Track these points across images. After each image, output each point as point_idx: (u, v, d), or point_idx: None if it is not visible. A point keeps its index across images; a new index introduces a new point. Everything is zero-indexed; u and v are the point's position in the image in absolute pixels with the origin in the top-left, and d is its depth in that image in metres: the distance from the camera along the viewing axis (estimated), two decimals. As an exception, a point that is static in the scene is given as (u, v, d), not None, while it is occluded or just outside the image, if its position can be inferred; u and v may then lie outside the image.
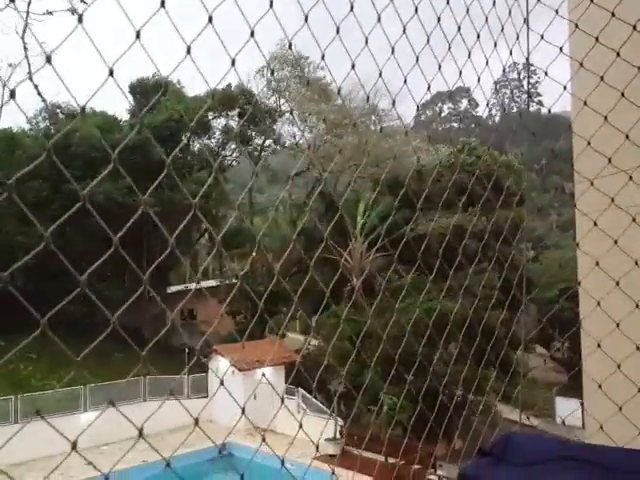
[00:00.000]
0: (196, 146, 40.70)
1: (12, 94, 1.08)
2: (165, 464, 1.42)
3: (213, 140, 41.38)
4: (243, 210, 43.09)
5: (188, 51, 1.27)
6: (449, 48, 2.21)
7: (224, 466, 17.52)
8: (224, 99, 38.16)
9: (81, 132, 29.65)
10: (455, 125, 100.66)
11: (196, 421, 1.59)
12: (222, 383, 1.91)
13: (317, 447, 2.75)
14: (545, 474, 1.79)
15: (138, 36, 1.23)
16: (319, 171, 41.15)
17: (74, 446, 1.19)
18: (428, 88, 2.23)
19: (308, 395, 20.75)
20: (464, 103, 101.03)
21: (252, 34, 1.40)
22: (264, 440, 1.86)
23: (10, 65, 34.09)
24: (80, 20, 1.23)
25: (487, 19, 2.26)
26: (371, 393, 20.41)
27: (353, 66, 1.99)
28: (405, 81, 2.08)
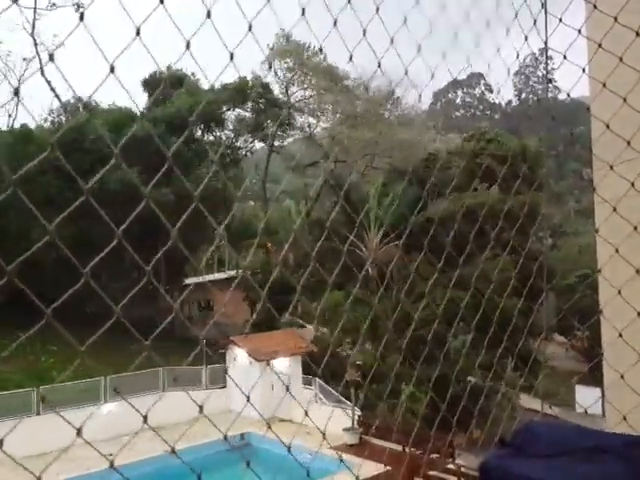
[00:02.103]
0: (211, 137, 40.74)
1: (16, 92, 1.07)
2: (170, 450, 1.42)
3: (227, 132, 41.41)
4: (258, 200, 43.20)
5: (187, 46, 1.25)
6: (476, 40, 2.17)
7: (242, 456, 17.66)
8: (238, 91, 38.12)
9: (94, 127, 29.82)
10: (473, 111, 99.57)
11: (200, 409, 1.58)
12: (226, 372, 1.91)
13: (324, 435, 2.75)
14: (567, 463, 1.77)
15: (138, 33, 1.21)
16: (333, 161, 41.11)
17: (79, 432, 1.19)
18: (432, 77, 2.20)
19: (325, 385, 20.84)
20: (480, 89, 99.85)
21: (250, 28, 1.38)
22: (269, 427, 1.86)
23: (24, 59, 34.40)
24: (82, 18, 1.23)
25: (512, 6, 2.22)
26: (388, 382, 20.43)
27: (379, 64, 1.96)
28: (408, 71, 2.05)
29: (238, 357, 21.79)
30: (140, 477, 15.40)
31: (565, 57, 2.31)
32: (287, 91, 42.08)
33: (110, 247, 1.17)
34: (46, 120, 37.50)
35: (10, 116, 37.24)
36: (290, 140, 45.55)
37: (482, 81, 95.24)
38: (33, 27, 33.51)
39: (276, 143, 43.62)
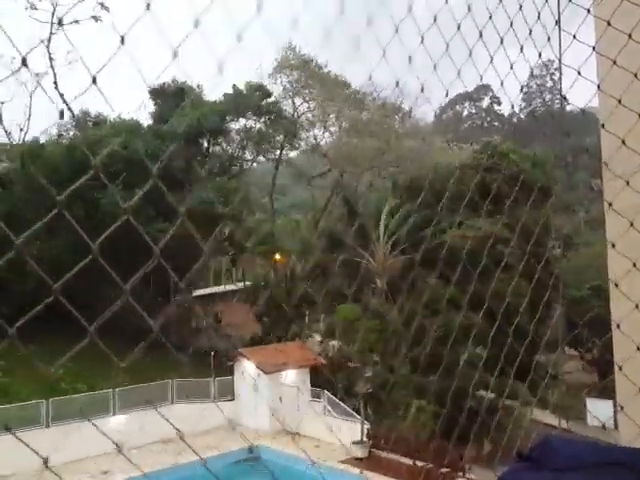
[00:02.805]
0: (218, 149, 40.89)
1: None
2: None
3: (233, 144, 41.55)
4: (265, 213, 43.34)
5: (175, 55, 1.24)
6: (489, 49, 2.20)
7: (249, 469, 17.61)
8: (241, 102, 38.30)
9: (104, 142, 30.31)
10: (481, 122, 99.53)
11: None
12: (226, 372, 1.92)
13: (317, 443, 2.75)
14: (584, 478, 1.76)
15: (123, 41, 1.21)
16: (339, 172, 41.21)
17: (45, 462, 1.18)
18: (446, 95, 2.23)
19: (334, 398, 20.73)
20: (488, 101, 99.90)
21: (239, 39, 1.38)
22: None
23: (37, 75, 34.89)
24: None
25: (525, 19, 2.24)
26: (398, 396, 20.30)
27: (397, 83, 1.98)
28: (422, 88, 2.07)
29: (247, 369, 21.75)
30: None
31: (579, 73, 2.33)
32: (293, 102, 42.35)
33: (84, 263, 1.17)
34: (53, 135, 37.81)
35: (22, 130, 37.67)
36: (296, 152, 45.75)
37: (490, 93, 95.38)
38: (49, 41, 34.04)
39: (285, 154, 43.83)
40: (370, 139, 39.04)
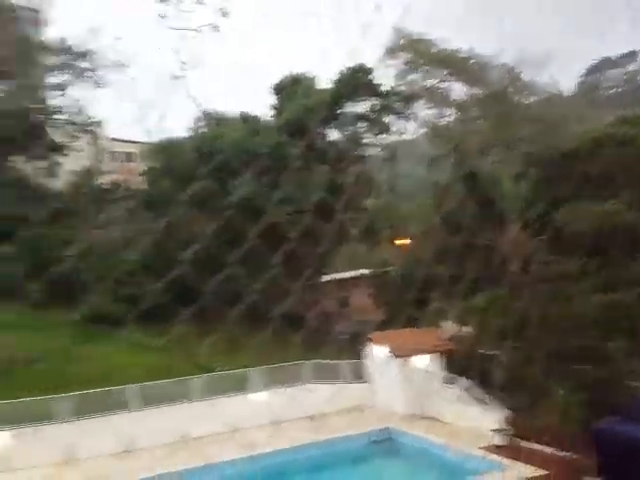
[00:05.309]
0: (333, 136, 41.20)
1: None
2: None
3: (349, 128, 41.54)
4: (387, 196, 43.14)
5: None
6: None
7: (385, 450, 17.83)
8: (354, 85, 38.19)
9: (226, 138, 32.22)
10: (623, 92, 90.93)
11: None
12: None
13: (452, 429, 2.68)
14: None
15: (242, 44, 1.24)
16: (460, 152, 39.75)
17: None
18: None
19: (469, 384, 20.29)
20: (633, 68, 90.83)
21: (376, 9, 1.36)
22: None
23: (172, 78, 37.57)
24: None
25: None
26: (537, 383, 19.37)
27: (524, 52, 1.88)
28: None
29: (378, 353, 21.96)
30: (287, 463, 16.15)
31: None
32: (406, 83, 41.46)
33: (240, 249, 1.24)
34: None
35: (160, 130, 40.80)
36: (414, 133, 44.80)
37: (637, 59, 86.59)
38: (179, 49, 36.52)
39: (402, 137, 43.18)
40: (496, 113, 37.23)
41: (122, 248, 29.84)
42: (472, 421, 17.55)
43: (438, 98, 41.59)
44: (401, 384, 20.53)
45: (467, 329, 25.59)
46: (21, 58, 38.06)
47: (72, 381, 20.16)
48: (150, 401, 19.31)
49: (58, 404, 18.02)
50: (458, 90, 40.53)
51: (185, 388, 20.12)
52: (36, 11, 45.43)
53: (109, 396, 18.82)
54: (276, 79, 41.06)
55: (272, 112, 40.62)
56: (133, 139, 48.30)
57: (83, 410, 18.22)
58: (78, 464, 16.84)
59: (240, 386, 20.82)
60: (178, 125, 40.24)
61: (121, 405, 19.03)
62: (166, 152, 35.45)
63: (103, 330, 25.40)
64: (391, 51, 40.17)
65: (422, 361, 20.84)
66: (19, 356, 21.53)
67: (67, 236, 29.44)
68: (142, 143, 44.85)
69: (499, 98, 38.09)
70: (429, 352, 20.80)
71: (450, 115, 43.05)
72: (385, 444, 18.09)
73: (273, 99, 41.37)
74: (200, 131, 40.02)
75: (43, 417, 17.61)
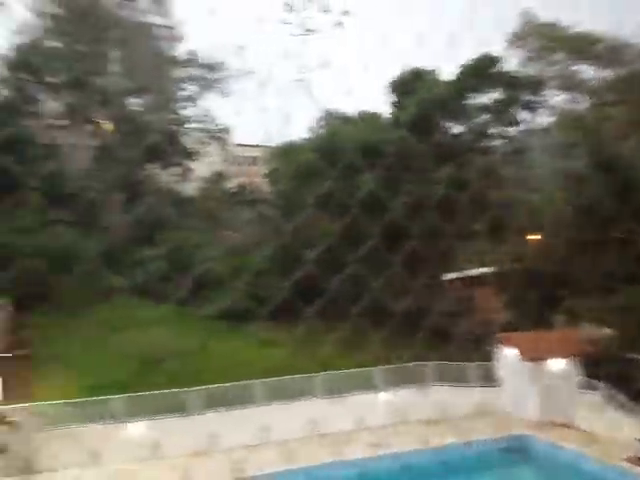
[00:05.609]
0: (457, 130, 39.96)
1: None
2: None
3: (473, 121, 40.05)
4: (515, 190, 41.08)
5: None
6: None
7: (517, 458, 17.04)
8: (480, 75, 36.70)
9: (347, 135, 32.49)
10: None
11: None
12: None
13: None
14: None
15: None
16: (595, 139, 36.70)
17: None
18: None
19: (609, 390, 18.79)
20: None
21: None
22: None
23: (292, 82, 38.77)
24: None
25: None
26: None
27: None
28: None
29: (507, 356, 21.02)
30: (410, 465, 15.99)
31: None
32: (534, 70, 39.11)
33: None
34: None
35: (282, 133, 42.35)
36: (543, 122, 42.16)
37: None
38: (300, 52, 37.80)
39: (529, 127, 40.84)
40: (634, 96, 34.03)
41: (252, 249, 31.40)
42: (612, 429, 16.23)
43: (569, 84, 38.97)
44: (533, 388, 19.49)
45: (605, 330, 23.67)
46: (158, 73, 41.34)
47: (204, 374, 21.52)
48: (277, 396, 20.05)
49: (189, 396, 19.18)
50: (589, 74, 37.76)
51: (310, 384, 20.62)
52: (171, 28, 49.15)
53: (239, 390, 19.79)
54: (396, 75, 40.76)
55: (393, 108, 40.39)
56: (257, 143, 50.50)
57: (214, 403, 19.28)
58: (213, 454, 17.84)
59: (363, 385, 20.94)
60: (300, 127, 41.45)
61: (250, 399, 19.92)
62: (288, 154, 36.64)
63: (233, 326, 26.88)
64: (518, 37, 38.24)
65: (556, 365, 19.63)
66: (163, 350, 23.35)
67: (201, 239, 31.54)
68: (265, 147, 46.79)
69: (637, 80, 34.87)
70: (563, 355, 19.53)
71: (582, 101, 40.16)
72: (517, 452, 17.28)
73: (393, 95, 41.10)
74: (321, 131, 40.86)
75: (177, 409, 18.81)
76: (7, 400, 17.81)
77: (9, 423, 13.78)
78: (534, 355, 19.46)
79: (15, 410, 16.18)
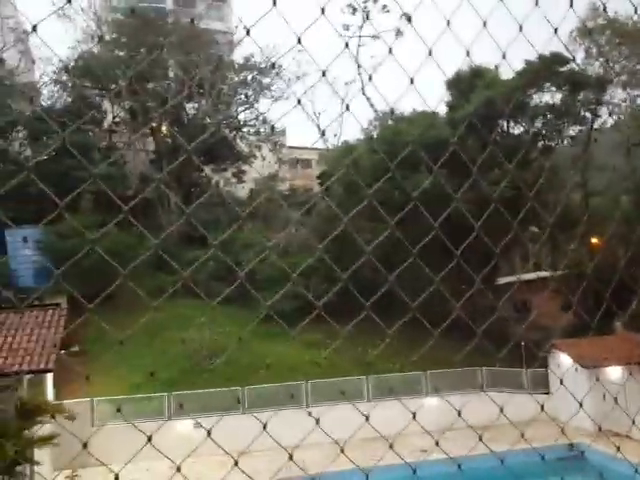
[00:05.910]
0: (518, 129, 38.83)
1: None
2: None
3: (533, 121, 38.73)
4: (578, 191, 39.60)
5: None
6: None
7: (573, 468, 16.37)
8: (541, 73, 35.45)
9: (406, 133, 32.08)
10: None
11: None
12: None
13: None
14: None
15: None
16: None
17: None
18: None
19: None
20: None
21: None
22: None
23: (346, 83, 38.79)
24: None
25: None
26: None
27: None
28: None
29: (562, 362, 20.25)
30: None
31: None
32: (600, 66, 37.43)
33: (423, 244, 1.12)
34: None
35: (335, 135, 42.39)
36: (609, 121, 40.27)
37: None
38: (357, 53, 38.15)
39: (594, 126, 39.12)
40: None
41: (304, 249, 31.57)
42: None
43: (636, 81, 37.11)
44: (590, 396, 18.65)
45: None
46: (216, 77, 42.30)
47: (249, 375, 21.71)
48: (322, 398, 20.03)
49: (235, 395, 19.41)
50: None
51: (355, 387, 20.51)
52: (230, 33, 50.23)
53: (283, 391, 19.90)
54: (453, 73, 40.06)
55: (449, 107, 39.72)
56: (311, 146, 50.85)
57: (258, 403, 19.46)
58: (252, 454, 17.98)
59: (412, 389, 20.65)
60: (355, 129, 41.42)
61: (294, 400, 19.99)
62: (342, 155, 36.61)
63: (279, 328, 26.93)
64: (584, 32, 36.72)
65: (615, 372, 18.74)
66: (209, 350, 23.74)
67: (252, 240, 31.94)
68: (319, 149, 47.01)
69: None
70: (622, 362, 18.63)
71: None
72: (572, 461, 16.60)
73: (450, 94, 40.43)
74: (376, 131, 40.70)
75: (223, 408, 19.11)
76: (62, 395, 18.60)
77: (65, 417, 14.37)
78: (590, 362, 18.67)
79: (70, 405, 16.85)
